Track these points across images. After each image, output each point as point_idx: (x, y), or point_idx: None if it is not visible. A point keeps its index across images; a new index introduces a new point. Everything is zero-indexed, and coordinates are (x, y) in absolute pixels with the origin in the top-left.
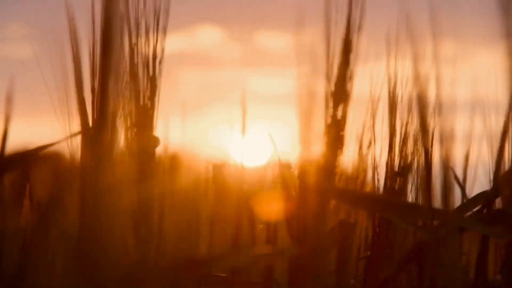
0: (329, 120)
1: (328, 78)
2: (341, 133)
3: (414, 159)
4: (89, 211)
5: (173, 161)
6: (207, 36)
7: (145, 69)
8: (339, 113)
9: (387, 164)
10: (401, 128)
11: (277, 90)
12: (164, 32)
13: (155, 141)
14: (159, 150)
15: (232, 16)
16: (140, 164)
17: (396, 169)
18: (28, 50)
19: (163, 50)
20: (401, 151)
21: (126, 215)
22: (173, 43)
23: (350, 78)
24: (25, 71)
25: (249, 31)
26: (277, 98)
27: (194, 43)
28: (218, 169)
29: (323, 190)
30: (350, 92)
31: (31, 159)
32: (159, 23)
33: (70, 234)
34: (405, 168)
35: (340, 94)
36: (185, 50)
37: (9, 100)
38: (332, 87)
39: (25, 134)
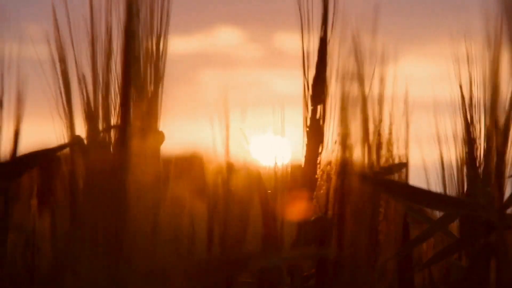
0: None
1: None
2: (320, 130)
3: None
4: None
5: (194, 161)
6: (227, 37)
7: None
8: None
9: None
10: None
11: (293, 90)
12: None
13: (161, 137)
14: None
15: (252, 17)
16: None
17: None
18: (42, 51)
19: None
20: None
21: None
22: (193, 44)
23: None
24: (39, 72)
25: (269, 32)
26: (292, 99)
27: (214, 44)
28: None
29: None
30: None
31: (44, 160)
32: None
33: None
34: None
35: (317, 95)
36: (205, 50)
37: (20, 101)
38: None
39: (38, 135)
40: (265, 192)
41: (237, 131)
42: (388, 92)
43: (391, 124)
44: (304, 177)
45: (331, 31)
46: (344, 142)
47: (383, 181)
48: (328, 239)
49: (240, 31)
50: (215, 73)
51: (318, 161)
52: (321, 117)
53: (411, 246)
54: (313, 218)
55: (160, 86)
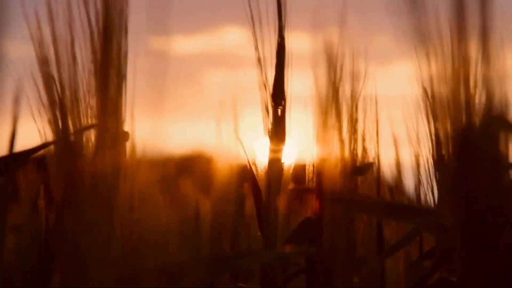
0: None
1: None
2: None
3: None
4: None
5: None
6: (232, 37)
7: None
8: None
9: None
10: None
11: (300, 90)
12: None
13: (125, 136)
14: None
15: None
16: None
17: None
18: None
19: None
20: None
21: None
22: (198, 44)
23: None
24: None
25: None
26: (300, 99)
27: (220, 44)
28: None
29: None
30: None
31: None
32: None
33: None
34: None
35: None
36: (210, 50)
37: (16, 101)
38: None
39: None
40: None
41: (241, 131)
42: (361, 92)
43: (363, 124)
44: (269, 177)
45: (287, 32)
46: (319, 143)
47: (352, 200)
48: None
49: (246, 31)
50: (220, 73)
51: (281, 161)
52: (282, 117)
53: (385, 256)
54: (303, 218)
55: (123, 85)
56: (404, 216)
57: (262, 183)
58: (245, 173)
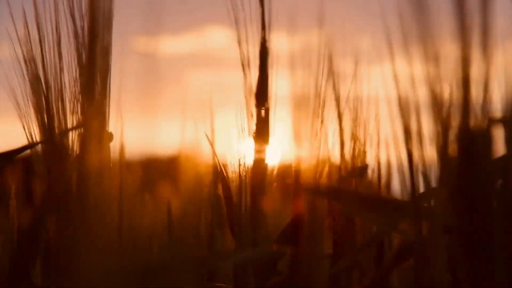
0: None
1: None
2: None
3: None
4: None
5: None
6: (216, 38)
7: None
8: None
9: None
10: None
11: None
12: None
13: (109, 136)
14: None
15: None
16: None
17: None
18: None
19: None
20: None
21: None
22: (182, 44)
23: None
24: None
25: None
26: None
27: (204, 44)
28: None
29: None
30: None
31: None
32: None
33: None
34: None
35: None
36: (195, 51)
37: None
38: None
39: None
40: (229, 191)
41: (224, 131)
42: (356, 92)
43: (359, 124)
44: (253, 178)
45: (270, 33)
46: (299, 142)
47: (328, 190)
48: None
49: (230, 32)
50: (203, 74)
51: (265, 162)
52: (266, 118)
53: (359, 252)
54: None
55: (108, 86)
56: (380, 209)
57: (233, 184)
58: (218, 174)
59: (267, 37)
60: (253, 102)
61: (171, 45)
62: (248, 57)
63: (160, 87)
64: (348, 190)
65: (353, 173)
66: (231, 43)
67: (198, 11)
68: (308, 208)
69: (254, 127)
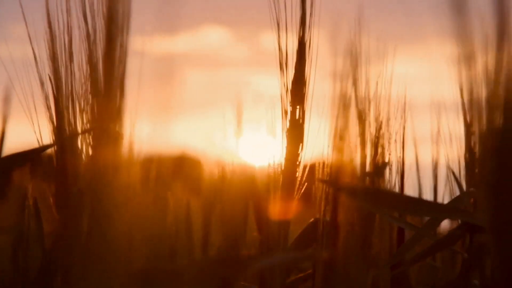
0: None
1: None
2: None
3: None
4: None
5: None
6: (213, 37)
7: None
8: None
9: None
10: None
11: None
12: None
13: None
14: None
15: (239, 17)
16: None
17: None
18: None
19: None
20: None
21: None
22: (179, 44)
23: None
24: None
25: (256, 32)
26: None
27: (200, 44)
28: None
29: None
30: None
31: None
32: None
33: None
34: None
35: (296, 95)
36: (191, 50)
37: (6, 100)
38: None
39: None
40: (257, 193)
41: (226, 131)
42: (381, 92)
43: (385, 125)
44: (284, 178)
45: (310, 31)
46: (336, 144)
47: (367, 192)
48: (324, 241)
49: (227, 31)
50: (202, 73)
51: (298, 162)
52: (301, 117)
53: (402, 252)
54: (311, 220)
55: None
56: (425, 211)
57: (261, 185)
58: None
59: (305, 36)
60: (288, 100)
61: (167, 44)
62: (287, 55)
63: (158, 87)
64: (392, 192)
65: (375, 171)
66: (228, 42)
67: (194, 10)
68: (345, 210)
69: (288, 126)
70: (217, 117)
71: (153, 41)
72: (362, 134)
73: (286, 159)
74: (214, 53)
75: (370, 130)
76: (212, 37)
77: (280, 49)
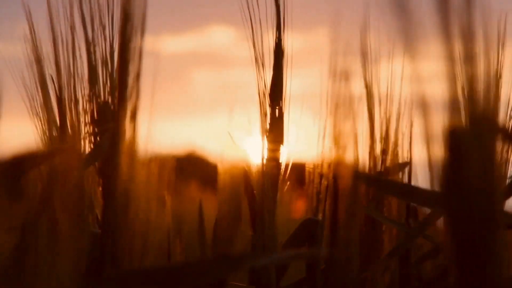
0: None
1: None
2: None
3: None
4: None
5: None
6: (220, 36)
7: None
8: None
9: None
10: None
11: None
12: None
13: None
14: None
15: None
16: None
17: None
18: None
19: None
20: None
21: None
22: (185, 43)
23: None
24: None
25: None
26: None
27: (207, 43)
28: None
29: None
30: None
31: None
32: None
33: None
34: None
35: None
36: (198, 50)
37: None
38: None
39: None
40: (252, 191)
41: (228, 130)
42: (385, 91)
43: (390, 124)
44: (267, 177)
45: (285, 31)
46: (337, 143)
47: (379, 180)
48: (318, 240)
49: (234, 30)
50: (208, 72)
51: (278, 161)
52: (280, 116)
53: (406, 243)
54: (303, 219)
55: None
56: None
57: (255, 183)
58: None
59: (282, 35)
60: (267, 101)
61: (174, 44)
62: (263, 55)
63: (165, 86)
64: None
65: (393, 169)
66: (234, 42)
67: (200, 10)
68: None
69: (268, 126)
70: (224, 117)
71: (162, 41)
72: (371, 133)
73: (267, 159)
74: (223, 53)
75: (380, 128)
76: (221, 36)
77: (255, 48)
